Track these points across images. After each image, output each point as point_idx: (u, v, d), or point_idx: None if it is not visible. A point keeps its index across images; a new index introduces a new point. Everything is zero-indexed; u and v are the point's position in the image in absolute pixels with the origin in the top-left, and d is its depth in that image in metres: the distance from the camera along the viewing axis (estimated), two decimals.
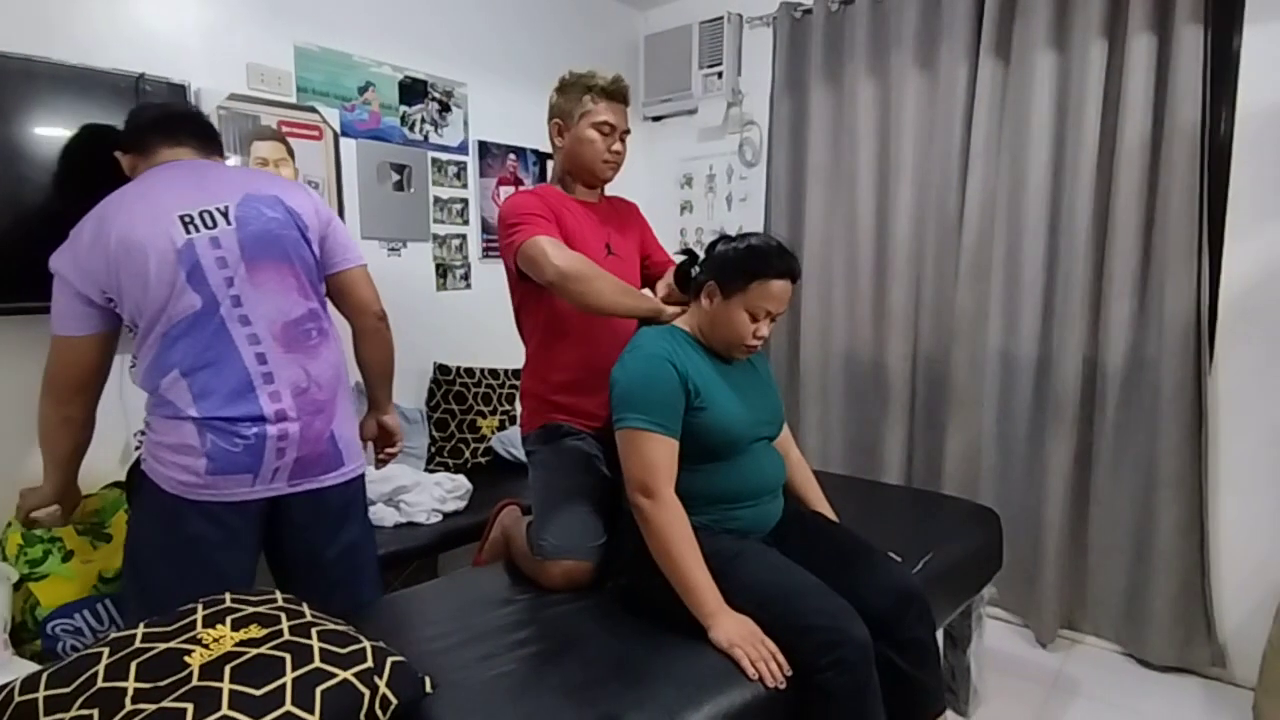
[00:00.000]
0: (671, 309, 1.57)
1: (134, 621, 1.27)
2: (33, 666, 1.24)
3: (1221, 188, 2.07)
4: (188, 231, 1.31)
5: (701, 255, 1.51)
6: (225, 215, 1.35)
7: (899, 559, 1.47)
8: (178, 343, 1.31)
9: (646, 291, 1.71)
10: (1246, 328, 2.07)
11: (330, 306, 1.55)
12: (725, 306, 1.41)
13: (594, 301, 1.53)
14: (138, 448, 1.42)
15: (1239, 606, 2.12)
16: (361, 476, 1.53)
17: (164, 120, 1.45)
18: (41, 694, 0.95)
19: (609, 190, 1.86)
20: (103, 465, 1.80)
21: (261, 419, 1.33)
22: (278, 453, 1.35)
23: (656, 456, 1.33)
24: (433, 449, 2.53)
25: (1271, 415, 2.04)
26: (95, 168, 1.53)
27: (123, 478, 1.78)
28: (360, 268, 1.58)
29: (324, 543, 1.46)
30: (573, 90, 1.69)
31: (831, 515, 1.64)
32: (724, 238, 1.47)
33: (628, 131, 1.74)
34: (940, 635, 1.76)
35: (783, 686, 1.16)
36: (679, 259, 1.59)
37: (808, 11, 2.79)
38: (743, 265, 1.39)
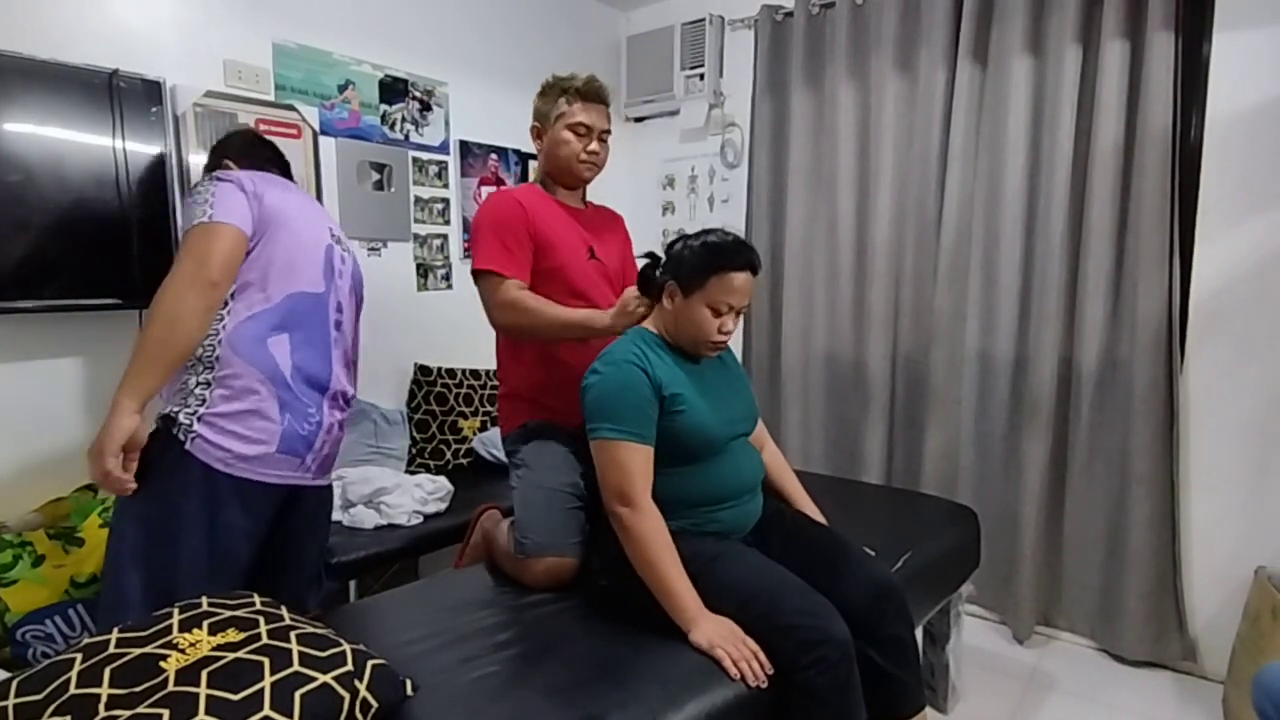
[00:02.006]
0: (601, 317, 1.53)
1: (129, 587, 1.29)
2: (2, 674, 1.22)
3: (1192, 191, 2.11)
4: (331, 239, 1.55)
5: (663, 257, 1.50)
6: (348, 250, 1.62)
7: (873, 553, 1.48)
8: (296, 309, 1.42)
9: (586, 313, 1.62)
10: (1216, 328, 2.11)
11: None
12: (687, 305, 1.41)
13: (536, 337, 1.65)
14: (175, 426, 1.30)
15: (1209, 602, 2.16)
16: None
17: (270, 147, 1.69)
18: (11, 702, 0.93)
19: (592, 194, 1.87)
20: (68, 469, 1.78)
21: (322, 410, 1.46)
22: (321, 444, 1.47)
23: (632, 465, 1.33)
24: (414, 450, 2.51)
25: (1240, 414, 2.09)
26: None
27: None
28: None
29: (313, 535, 1.57)
30: (550, 93, 1.72)
31: (816, 512, 1.66)
32: (682, 237, 1.47)
33: (607, 132, 1.74)
34: (919, 633, 1.78)
35: (764, 685, 1.17)
36: (641, 262, 1.58)
37: (789, 14, 2.81)
38: (701, 262, 1.39)
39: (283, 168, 1.66)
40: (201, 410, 1.31)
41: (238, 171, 1.45)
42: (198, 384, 1.32)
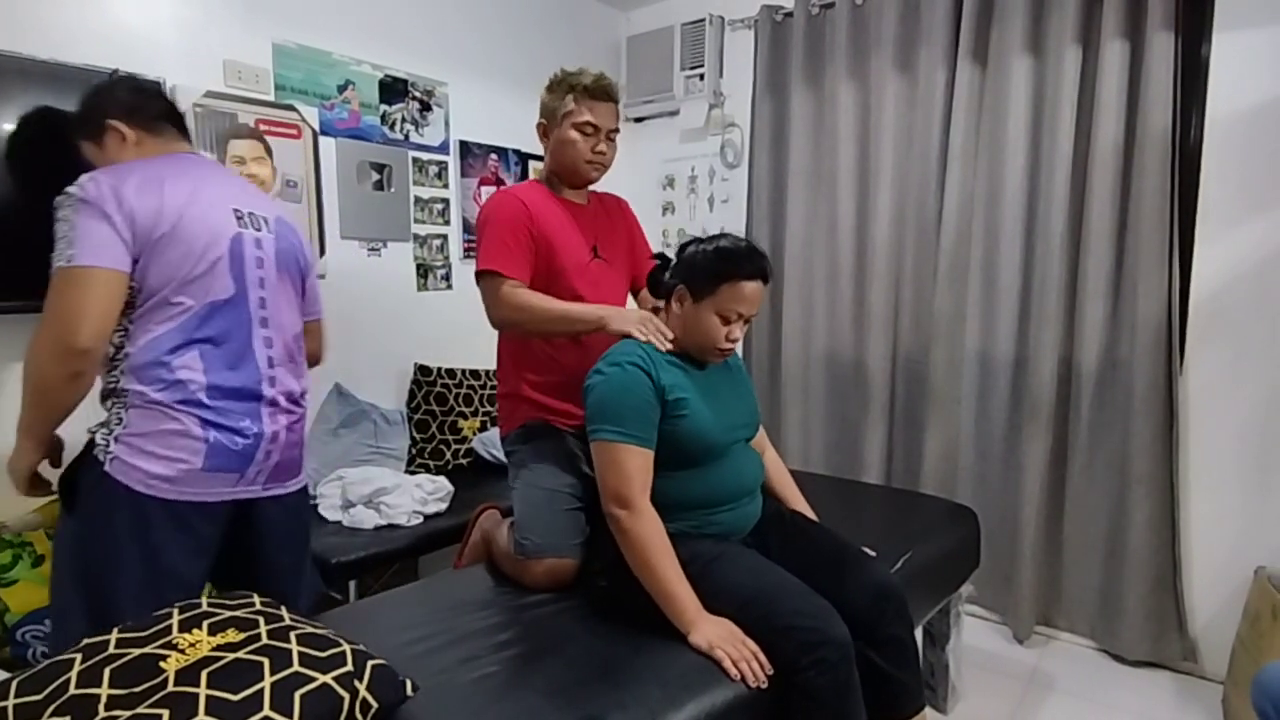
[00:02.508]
0: (616, 320, 1.50)
1: (76, 635, 1.20)
2: (2, 674, 1.22)
3: (1192, 192, 2.11)
4: (239, 225, 1.36)
5: (673, 259, 1.49)
6: (267, 224, 1.43)
7: (873, 554, 1.49)
8: (201, 325, 1.29)
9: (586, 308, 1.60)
10: (1216, 328, 2.11)
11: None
12: (696, 310, 1.40)
13: (533, 334, 1.64)
14: (93, 445, 1.28)
15: (1209, 602, 2.16)
16: (307, 487, 1.56)
17: (166, 104, 1.44)
18: (11, 702, 0.93)
19: (592, 188, 1.85)
20: None
21: (260, 419, 1.35)
22: (265, 454, 1.37)
23: (631, 468, 1.33)
24: (413, 450, 2.51)
25: (1240, 414, 2.09)
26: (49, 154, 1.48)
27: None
28: (321, 322, 1.64)
29: (281, 547, 1.46)
30: (558, 89, 1.66)
31: (811, 515, 1.65)
32: (694, 240, 1.46)
33: (615, 131, 1.69)
34: (919, 633, 1.78)
35: (764, 686, 1.17)
36: (651, 264, 1.58)
37: (789, 15, 2.81)
38: (712, 268, 1.38)
39: (177, 122, 1.43)
40: (119, 430, 1.25)
41: (104, 179, 1.23)
42: (114, 404, 1.28)
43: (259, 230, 1.40)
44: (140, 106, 1.38)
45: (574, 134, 1.65)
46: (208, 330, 1.30)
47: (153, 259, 1.25)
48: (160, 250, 1.25)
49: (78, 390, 1.24)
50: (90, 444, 1.28)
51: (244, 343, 1.35)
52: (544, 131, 1.71)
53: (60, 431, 1.33)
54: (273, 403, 1.38)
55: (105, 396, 1.30)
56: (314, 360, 1.62)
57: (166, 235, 1.25)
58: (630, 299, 1.85)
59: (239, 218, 1.37)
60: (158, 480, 1.25)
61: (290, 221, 1.51)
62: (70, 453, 1.35)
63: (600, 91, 1.65)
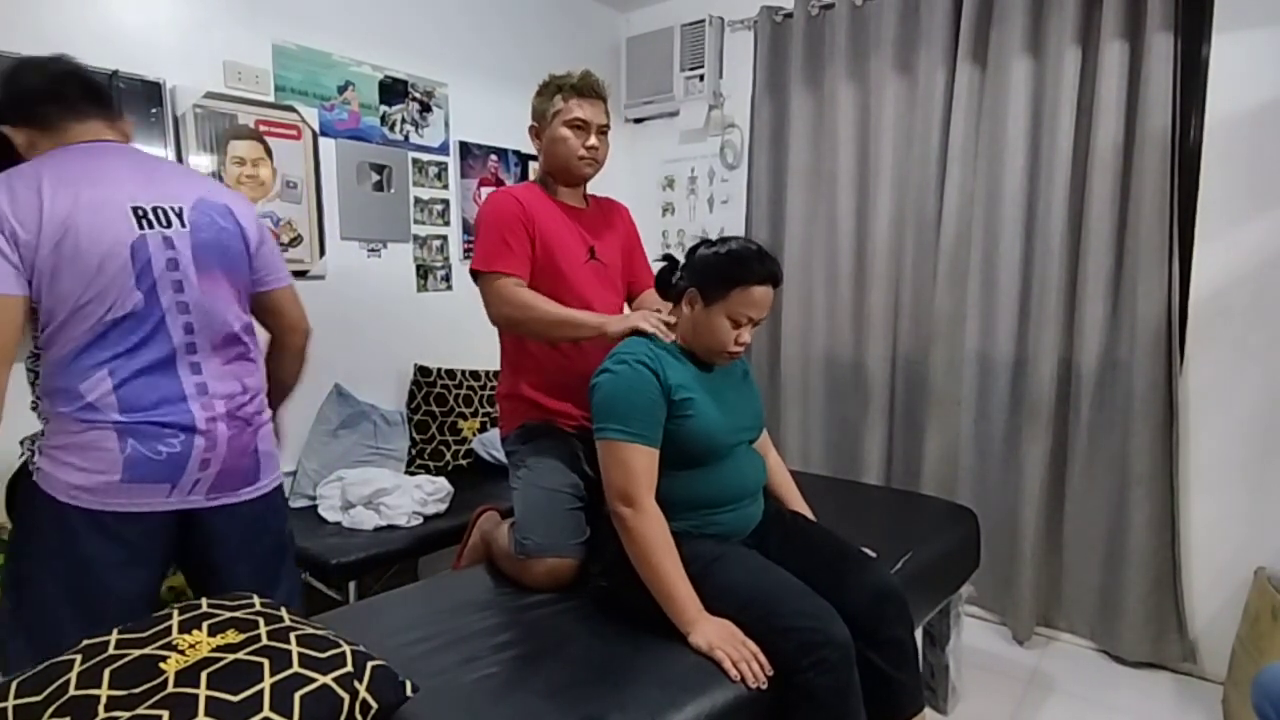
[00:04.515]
0: (615, 323, 1.51)
1: (15, 651, 1.22)
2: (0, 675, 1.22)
3: (1191, 192, 2.11)
4: (140, 226, 1.23)
5: (682, 260, 1.50)
6: (180, 216, 1.28)
7: (873, 554, 1.49)
8: (109, 340, 1.21)
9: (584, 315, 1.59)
10: (1216, 329, 2.11)
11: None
12: (707, 313, 1.40)
13: (534, 336, 1.64)
14: (23, 455, 1.27)
15: (1209, 603, 2.16)
16: (278, 490, 1.48)
17: (54, 89, 1.27)
18: (11, 703, 0.93)
19: (592, 190, 1.86)
20: None
21: (191, 429, 1.27)
22: (201, 464, 1.29)
23: (637, 466, 1.33)
24: (413, 451, 2.51)
25: (1240, 414, 2.09)
26: None
27: None
28: (290, 287, 1.52)
29: (238, 557, 1.39)
30: (546, 91, 1.71)
31: (810, 516, 1.65)
32: (704, 242, 1.46)
33: (606, 127, 1.72)
34: (919, 634, 1.78)
35: (764, 687, 1.17)
36: (659, 265, 1.58)
37: (788, 15, 2.81)
38: (724, 271, 1.39)
39: (93, 98, 1.30)
40: (41, 442, 1.24)
41: None
42: (41, 415, 1.26)
43: (167, 226, 1.26)
44: (19, 102, 1.26)
45: (565, 131, 1.67)
46: (117, 346, 1.22)
47: (45, 279, 1.17)
48: (50, 268, 1.17)
49: None
50: (24, 455, 1.27)
51: (161, 354, 1.25)
52: (536, 133, 1.74)
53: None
54: (207, 410, 1.29)
55: (34, 407, 1.28)
56: (295, 328, 1.53)
57: (53, 252, 1.16)
58: (625, 306, 1.85)
59: (140, 217, 1.24)
60: (79, 490, 1.21)
61: (220, 199, 1.36)
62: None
63: (588, 89, 1.68)
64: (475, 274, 1.65)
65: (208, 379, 1.31)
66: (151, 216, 1.25)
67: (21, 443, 1.28)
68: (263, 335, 1.51)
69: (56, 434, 1.23)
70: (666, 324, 1.48)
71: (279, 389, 1.58)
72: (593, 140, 1.69)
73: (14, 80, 1.27)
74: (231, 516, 1.36)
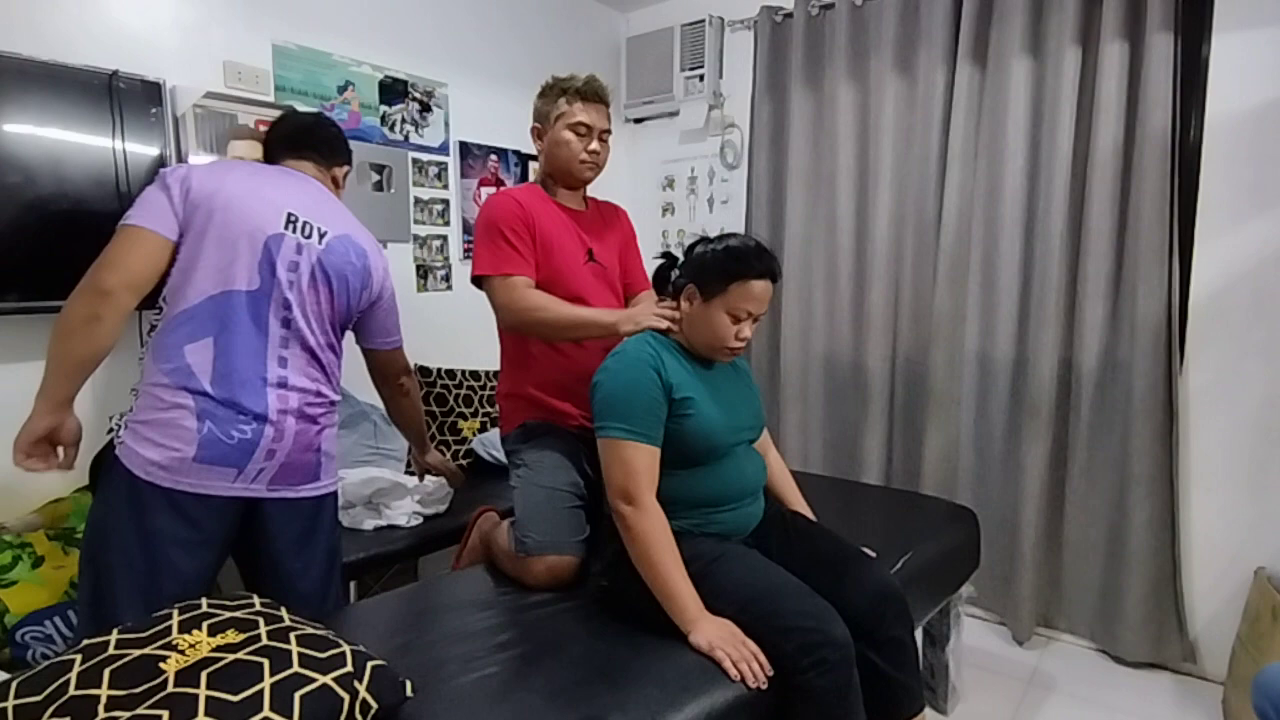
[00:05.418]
0: (627, 323, 1.51)
1: (84, 624, 1.30)
2: (1, 675, 1.22)
3: (1191, 192, 2.11)
4: (285, 227, 1.41)
5: (680, 258, 1.51)
6: (322, 237, 1.46)
7: (873, 554, 1.49)
8: (220, 309, 1.34)
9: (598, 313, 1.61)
10: (1216, 329, 2.11)
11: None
12: (706, 309, 1.41)
13: (547, 338, 1.65)
14: (111, 430, 1.37)
15: (1209, 603, 2.16)
16: (334, 494, 1.55)
17: (293, 134, 1.57)
18: (11, 703, 0.93)
19: (592, 193, 1.86)
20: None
21: (263, 417, 1.36)
22: (267, 454, 1.37)
23: (638, 465, 1.33)
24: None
25: (1240, 414, 2.09)
26: None
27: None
28: (396, 350, 1.71)
29: (292, 552, 1.45)
30: (550, 93, 1.71)
31: (810, 516, 1.65)
32: (703, 239, 1.47)
33: (608, 132, 1.72)
34: (919, 634, 1.78)
35: (764, 687, 1.17)
36: (658, 262, 1.59)
37: (788, 15, 2.81)
38: (722, 267, 1.39)
39: (316, 146, 1.58)
40: (128, 417, 1.33)
41: (183, 167, 1.39)
42: (132, 390, 1.36)
43: (307, 238, 1.44)
44: (269, 145, 1.57)
45: (568, 134, 1.68)
46: (223, 319, 1.34)
47: (194, 238, 1.33)
48: (202, 231, 1.33)
49: (92, 336, 1.26)
50: (111, 430, 1.35)
51: (258, 339, 1.37)
52: (538, 135, 1.74)
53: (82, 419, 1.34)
54: (281, 402, 1.38)
55: (134, 389, 1.37)
56: (396, 380, 1.73)
57: (212, 217, 1.33)
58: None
59: (290, 221, 1.42)
60: (154, 467, 1.29)
61: (363, 242, 1.55)
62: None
63: (592, 93, 1.69)
64: (481, 279, 1.65)
65: (289, 373, 1.41)
66: (299, 225, 1.43)
67: (111, 418, 1.36)
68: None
69: (143, 409, 1.32)
70: (670, 318, 1.47)
71: (414, 433, 1.86)
72: (595, 145, 1.70)
73: (272, 127, 1.60)
74: (291, 509, 1.44)
